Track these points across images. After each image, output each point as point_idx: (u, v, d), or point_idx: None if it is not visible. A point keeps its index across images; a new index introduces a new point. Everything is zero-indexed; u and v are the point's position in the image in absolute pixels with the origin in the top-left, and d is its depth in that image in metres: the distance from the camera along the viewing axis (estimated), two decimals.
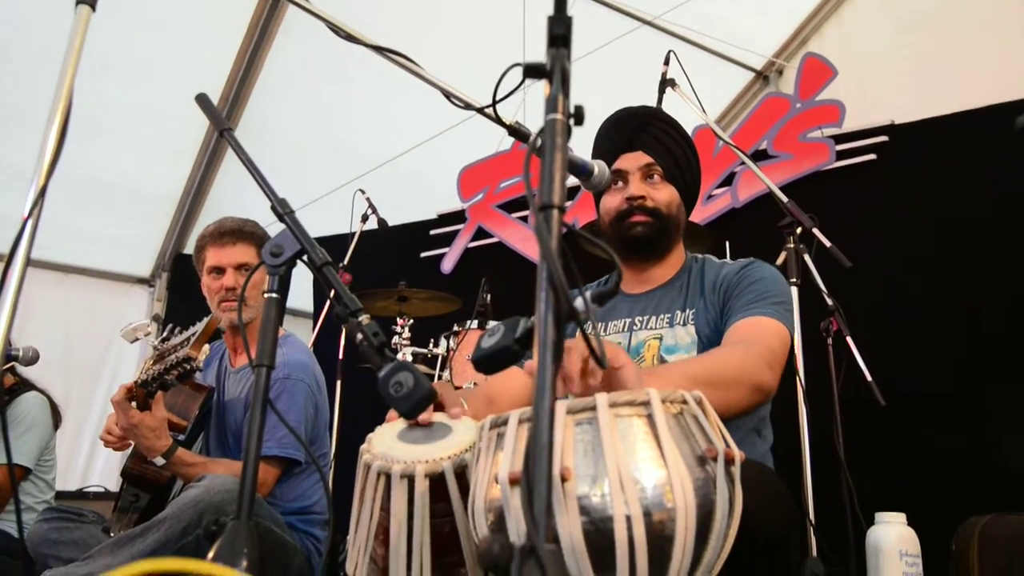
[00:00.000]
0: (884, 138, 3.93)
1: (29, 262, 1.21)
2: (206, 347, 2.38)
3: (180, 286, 5.77)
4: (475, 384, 3.35)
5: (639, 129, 1.93)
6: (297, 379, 2.48)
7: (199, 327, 2.20)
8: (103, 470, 5.43)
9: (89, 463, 5.46)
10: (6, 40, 4.38)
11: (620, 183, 1.92)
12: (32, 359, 3.06)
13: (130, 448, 2.42)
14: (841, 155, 4.01)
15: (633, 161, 1.90)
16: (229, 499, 2.00)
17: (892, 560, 2.27)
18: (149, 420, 2.19)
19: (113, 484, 5.05)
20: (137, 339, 2.31)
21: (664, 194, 1.89)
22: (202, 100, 1.64)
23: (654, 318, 1.88)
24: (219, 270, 2.59)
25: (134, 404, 2.20)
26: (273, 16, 4.72)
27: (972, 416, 3.36)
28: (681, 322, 1.84)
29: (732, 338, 1.70)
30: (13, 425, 3.16)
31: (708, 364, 1.58)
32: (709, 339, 1.79)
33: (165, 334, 2.29)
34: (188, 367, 2.16)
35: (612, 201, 1.92)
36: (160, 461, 2.22)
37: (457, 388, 3.13)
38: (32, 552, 2.26)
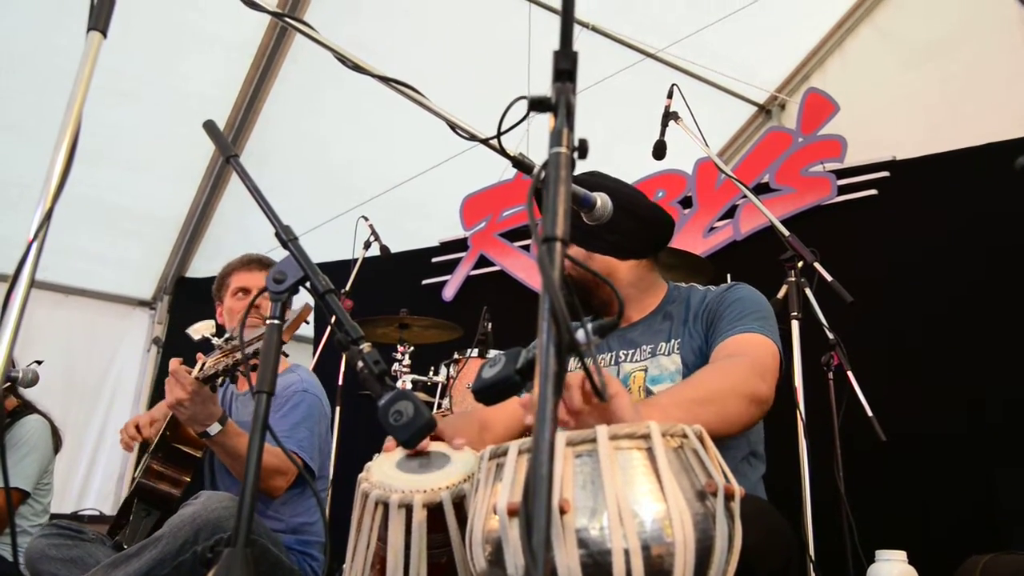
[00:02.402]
0: (885, 173, 3.96)
1: (33, 284, 1.22)
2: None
3: (181, 309, 5.78)
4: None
5: None
6: (313, 395, 2.56)
7: (293, 312, 2.19)
8: (99, 493, 5.41)
9: (85, 486, 5.44)
10: (18, 57, 4.42)
11: None
12: (32, 381, 3.06)
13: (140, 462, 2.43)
14: (843, 190, 4.03)
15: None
16: (227, 515, 1.99)
17: None
18: (206, 389, 2.19)
19: (109, 508, 5.03)
20: (204, 337, 2.31)
21: (596, 267, 1.89)
22: (209, 127, 1.66)
23: (638, 351, 1.89)
24: (245, 291, 2.72)
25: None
26: (281, 44, 4.77)
27: (974, 453, 3.34)
28: (665, 352, 1.84)
29: (718, 357, 1.71)
30: (15, 448, 3.15)
31: (698, 383, 1.57)
32: (695, 365, 1.79)
33: (227, 336, 2.30)
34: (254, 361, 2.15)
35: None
36: (216, 428, 2.20)
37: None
38: (29, 566, 2.24)
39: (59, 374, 5.15)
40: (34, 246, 1.23)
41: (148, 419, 2.57)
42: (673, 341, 1.85)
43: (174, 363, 2.21)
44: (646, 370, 1.84)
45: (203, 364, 2.23)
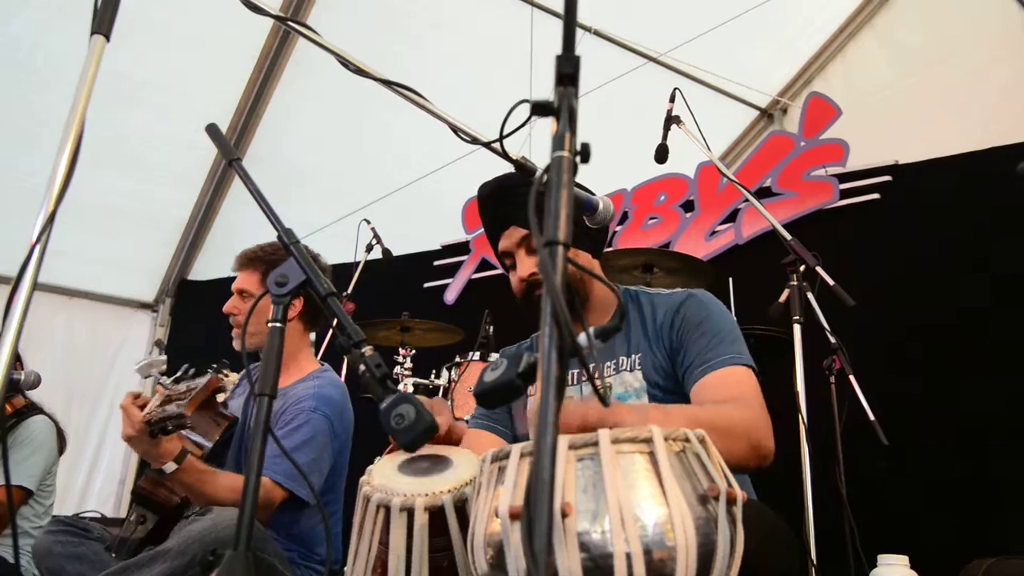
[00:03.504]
0: (887, 178, 3.96)
1: (36, 287, 1.22)
2: (234, 376, 2.36)
3: (184, 312, 5.78)
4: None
5: (501, 205, 1.89)
6: (322, 415, 2.43)
7: (199, 383, 2.15)
8: (100, 495, 5.41)
9: (86, 488, 5.44)
10: (22, 61, 4.43)
11: (510, 263, 1.88)
12: (34, 383, 3.06)
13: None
14: (845, 194, 4.03)
15: (510, 239, 1.86)
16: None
17: None
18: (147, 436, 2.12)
19: (110, 510, 5.03)
20: (150, 375, 2.28)
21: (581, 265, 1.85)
22: (212, 130, 1.66)
23: (602, 365, 1.83)
24: (240, 292, 2.64)
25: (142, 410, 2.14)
26: (283, 48, 4.77)
27: (976, 458, 3.34)
28: (628, 367, 1.79)
29: (712, 395, 1.65)
30: (19, 447, 3.15)
31: (713, 413, 1.54)
32: (660, 386, 1.75)
33: (179, 374, 2.26)
34: (178, 424, 2.10)
35: (513, 284, 1.87)
36: (171, 467, 2.14)
37: (457, 420, 3.11)
38: (37, 562, 2.24)
39: (61, 376, 5.16)
40: (37, 248, 1.23)
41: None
42: (634, 356, 1.79)
43: (126, 399, 2.15)
44: (611, 387, 1.79)
45: (151, 407, 2.17)
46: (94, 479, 5.46)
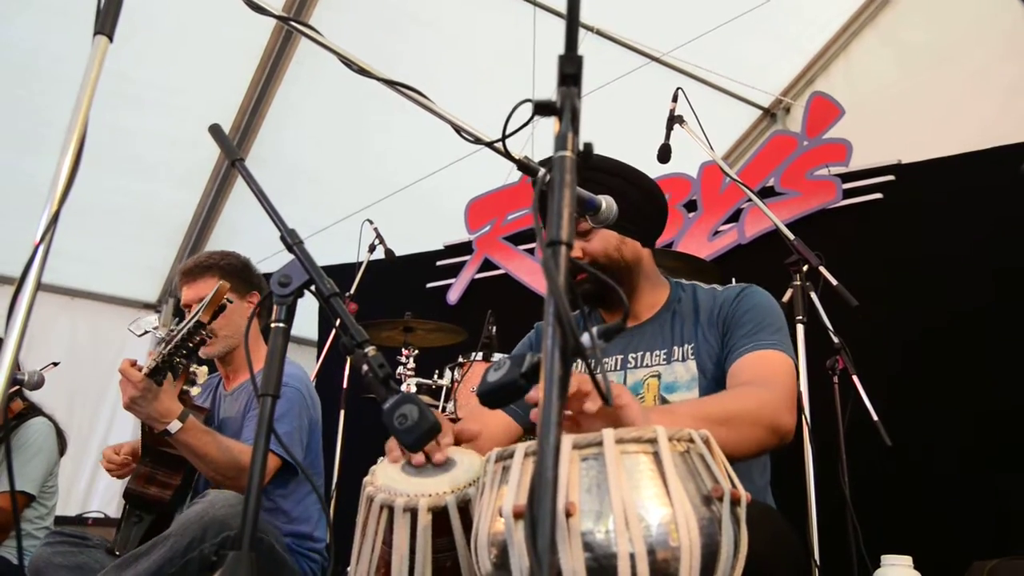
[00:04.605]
0: (891, 177, 3.95)
1: (39, 287, 1.22)
2: (205, 369, 2.38)
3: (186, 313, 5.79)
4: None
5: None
6: (293, 388, 2.48)
7: (206, 298, 2.19)
8: (103, 496, 5.42)
9: (90, 489, 5.45)
10: (24, 63, 4.44)
11: None
12: (37, 384, 3.07)
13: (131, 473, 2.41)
14: (848, 193, 4.02)
15: None
16: (233, 514, 1.99)
17: None
18: (155, 386, 2.14)
19: (113, 510, 5.04)
20: (146, 332, 2.30)
21: (596, 243, 1.81)
22: (215, 131, 1.66)
23: (648, 354, 1.83)
24: (188, 307, 2.65)
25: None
26: (286, 48, 4.78)
27: (979, 458, 3.33)
28: (680, 357, 1.79)
29: (741, 376, 1.67)
30: (20, 450, 3.16)
31: (723, 403, 1.54)
32: (712, 374, 1.75)
33: (171, 327, 2.28)
34: (199, 337, 2.14)
35: None
36: (176, 425, 2.15)
37: (456, 421, 3.11)
38: (35, 575, 2.24)
39: (64, 376, 5.16)
40: (41, 249, 1.23)
41: (117, 447, 2.55)
42: (687, 345, 1.80)
43: (124, 363, 2.16)
44: (659, 376, 1.80)
45: (150, 359, 2.20)
46: (98, 480, 5.46)
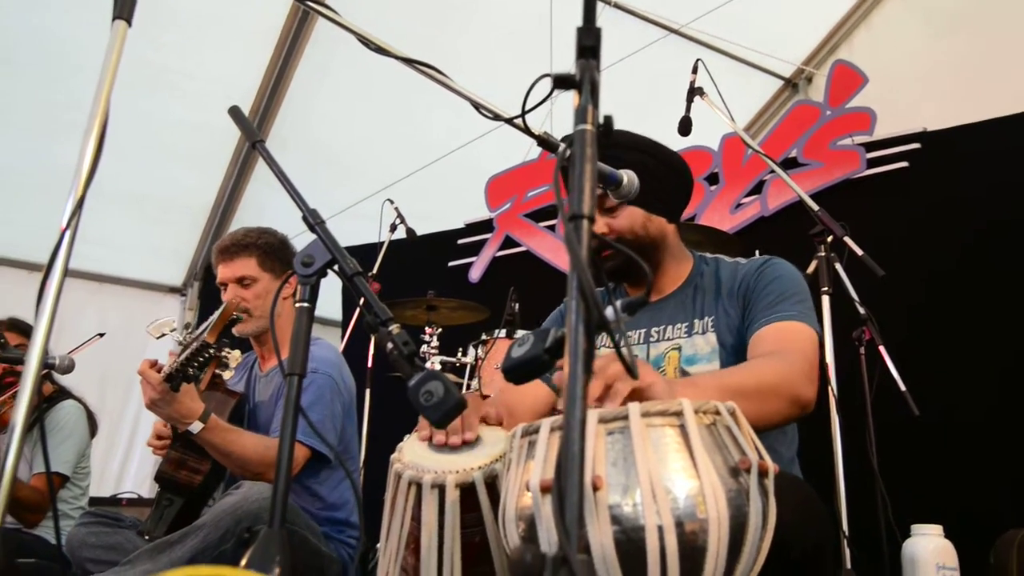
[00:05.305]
0: (916, 145, 3.89)
1: (67, 272, 1.24)
2: (237, 353, 2.40)
3: (211, 295, 5.83)
4: None
5: None
6: (324, 374, 2.48)
7: (215, 315, 2.21)
8: (136, 477, 5.51)
9: (123, 470, 5.54)
10: (51, 52, 4.48)
11: None
12: (68, 368, 3.10)
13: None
14: (872, 163, 3.96)
15: None
16: (266, 507, 2.00)
17: (929, 573, 2.23)
18: (171, 391, 2.16)
19: (146, 491, 5.12)
20: (164, 335, 2.32)
21: (622, 220, 1.81)
22: (235, 112, 1.66)
23: (670, 327, 1.84)
24: (224, 285, 2.63)
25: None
26: (303, 28, 4.77)
27: (1010, 426, 3.30)
28: (700, 330, 1.79)
29: (762, 347, 1.66)
30: (52, 433, 3.22)
31: (744, 375, 1.54)
32: (732, 346, 1.75)
33: (189, 329, 2.30)
34: (207, 355, 2.15)
35: None
36: (197, 426, 2.18)
37: (485, 397, 3.13)
38: (70, 555, 2.29)
39: (94, 360, 5.23)
40: (67, 234, 1.24)
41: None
42: (707, 318, 1.80)
43: (143, 364, 2.18)
44: (680, 349, 1.80)
45: (169, 364, 2.21)
46: (130, 461, 5.56)
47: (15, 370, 3.18)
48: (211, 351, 2.16)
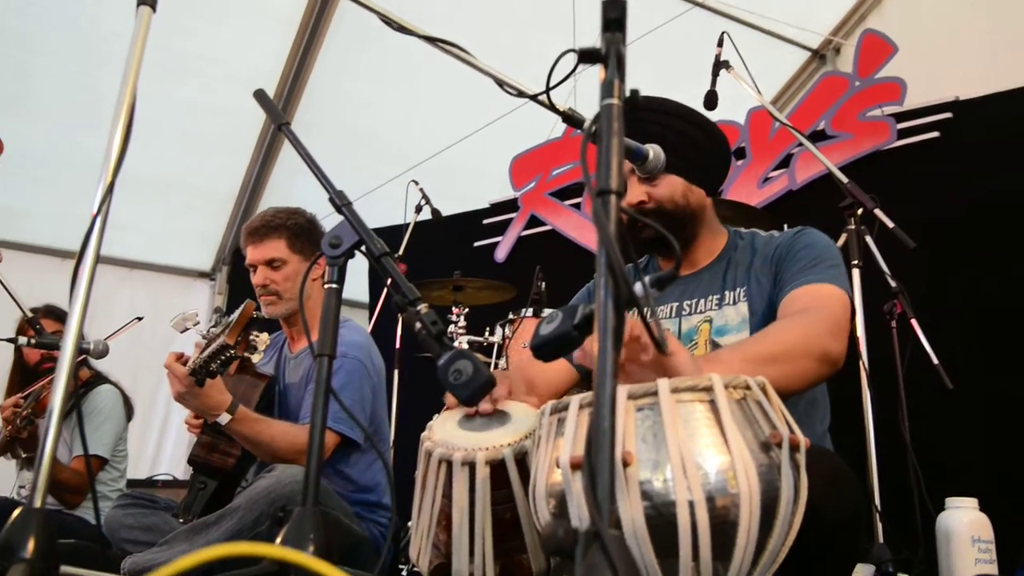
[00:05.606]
0: (948, 115, 3.82)
1: (99, 259, 1.25)
2: (266, 336, 2.42)
3: (240, 279, 5.90)
4: None
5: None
6: (353, 358, 2.48)
7: (235, 315, 2.22)
8: (171, 459, 5.61)
9: (157, 452, 5.65)
10: (81, 41, 4.52)
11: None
12: (102, 352, 3.15)
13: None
14: (903, 133, 3.90)
15: (625, 166, 1.81)
16: (299, 489, 2.02)
17: (964, 546, 2.21)
18: (196, 386, 2.19)
19: (181, 472, 5.21)
20: (186, 328, 2.34)
21: (662, 189, 1.78)
22: (260, 96, 1.67)
23: (702, 300, 1.83)
24: (254, 267, 2.63)
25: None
26: (325, 9, 4.77)
27: None
28: (731, 301, 1.78)
29: (789, 309, 1.64)
30: (90, 417, 3.28)
31: (767, 341, 1.52)
32: (763, 314, 1.73)
33: (213, 322, 2.31)
34: (227, 355, 2.17)
35: None
36: (225, 418, 2.21)
37: None
38: (108, 535, 2.34)
39: (127, 345, 5.31)
40: (98, 220, 1.26)
41: None
42: (739, 289, 1.78)
43: (170, 357, 2.20)
44: (711, 321, 1.79)
45: (193, 359, 2.23)
46: (164, 443, 5.66)
47: (53, 355, 3.23)
48: (231, 352, 2.17)
